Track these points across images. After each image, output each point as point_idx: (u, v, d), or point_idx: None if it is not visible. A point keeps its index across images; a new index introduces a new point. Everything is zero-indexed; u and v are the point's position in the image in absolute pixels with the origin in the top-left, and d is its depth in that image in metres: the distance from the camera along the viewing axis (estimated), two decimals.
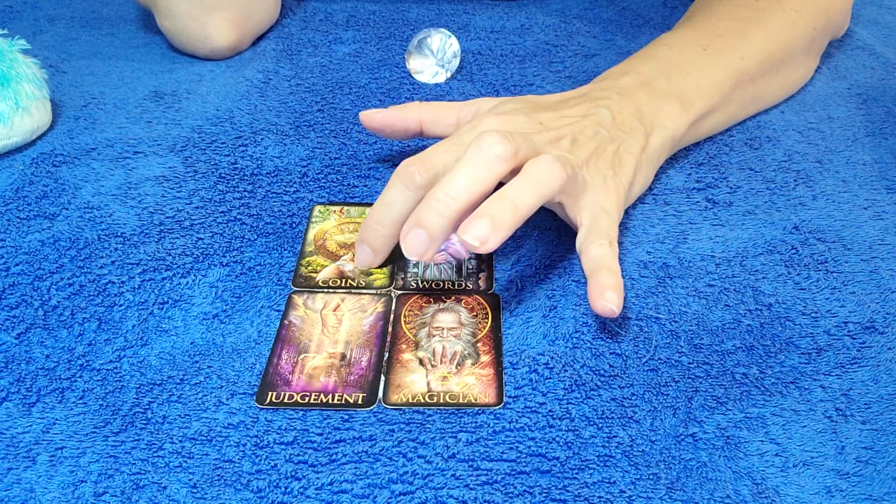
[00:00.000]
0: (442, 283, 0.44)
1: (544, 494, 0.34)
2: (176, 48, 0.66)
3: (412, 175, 0.41)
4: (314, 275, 0.45)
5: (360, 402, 0.37)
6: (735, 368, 0.40)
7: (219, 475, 0.34)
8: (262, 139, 0.56)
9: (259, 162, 0.54)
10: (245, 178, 0.52)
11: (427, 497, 0.33)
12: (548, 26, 0.72)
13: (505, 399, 0.38)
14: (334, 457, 0.35)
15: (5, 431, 0.36)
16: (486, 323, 0.42)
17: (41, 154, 0.54)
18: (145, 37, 0.70)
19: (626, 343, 0.41)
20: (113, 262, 0.45)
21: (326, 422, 0.37)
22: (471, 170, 0.39)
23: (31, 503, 0.33)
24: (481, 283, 0.44)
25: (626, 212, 0.49)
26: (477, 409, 0.37)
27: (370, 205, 0.50)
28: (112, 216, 0.49)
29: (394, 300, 0.43)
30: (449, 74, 0.63)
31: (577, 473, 0.35)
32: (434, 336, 0.41)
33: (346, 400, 0.38)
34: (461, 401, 0.38)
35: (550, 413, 0.37)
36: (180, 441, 0.36)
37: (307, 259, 0.46)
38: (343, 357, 0.40)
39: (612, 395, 0.38)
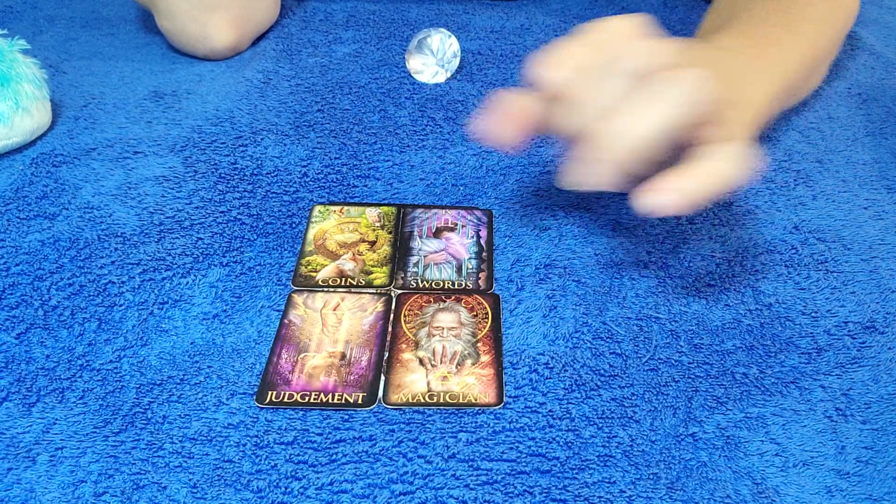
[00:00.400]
0: (442, 283, 0.44)
1: (544, 494, 0.34)
2: (176, 49, 0.66)
3: None
4: (314, 274, 0.45)
5: (360, 401, 0.37)
6: (735, 368, 0.40)
7: (219, 475, 0.34)
8: (262, 139, 0.56)
9: (259, 162, 0.54)
10: (245, 178, 0.52)
11: (427, 497, 0.33)
12: (548, 26, 0.72)
13: (505, 399, 0.38)
14: (334, 457, 0.35)
15: (5, 431, 0.36)
16: (487, 323, 0.42)
17: (41, 154, 0.54)
18: (145, 37, 0.70)
19: (627, 343, 0.41)
20: (113, 262, 0.45)
21: (326, 422, 0.37)
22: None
23: (32, 503, 0.33)
24: (481, 282, 0.44)
25: (627, 211, 0.49)
26: (477, 408, 0.37)
27: (370, 205, 0.50)
28: (112, 216, 0.49)
29: (394, 299, 0.43)
30: (449, 74, 0.63)
31: (577, 473, 0.35)
32: (434, 336, 0.41)
33: (346, 399, 0.38)
34: (461, 401, 0.38)
35: (550, 413, 0.37)
36: (180, 441, 0.36)
37: (307, 258, 0.46)
38: (343, 356, 0.40)
39: (613, 394, 0.38)
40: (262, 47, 0.68)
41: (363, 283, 0.44)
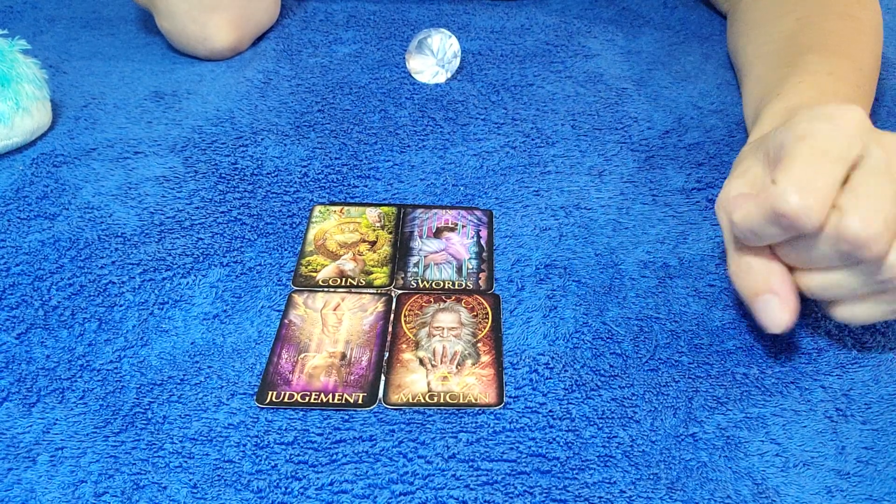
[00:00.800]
0: (442, 283, 0.44)
1: (544, 495, 0.34)
2: (176, 49, 0.66)
3: None
4: (314, 274, 0.45)
5: (360, 401, 0.37)
6: (735, 368, 0.40)
7: (219, 475, 0.34)
8: (262, 139, 0.56)
9: (259, 162, 0.54)
10: (245, 178, 0.52)
11: (427, 497, 0.33)
12: (548, 26, 0.72)
13: (505, 399, 0.38)
14: (335, 457, 0.35)
15: (6, 432, 0.36)
16: (487, 323, 0.42)
17: (41, 154, 0.54)
18: (146, 37, 0.70)
19: (627, 343, 0.41)
20: (113, 263, 0.45)
21: (327, 422, 0.37)
22: None
23: (32, 503, 0.33)
24: (482, 282, 0.44)
25: (627, 211, 0.49)
26: (477, 409, 0.37)
27: (370, 205, 0.50)
28: (112, 216, 0.49)
29: (394, 300, 0.43)
30: (449, 74, 0.63)
31: (577, 474, 0.35)
32: (434, 336, 0.41)
33: (346, 400, 0.38)
34: (461, 401, 0.38)
35: (551, 413, 0.37)
36: (180, 441, 0.36)
37: (307, 259, 0.46)
38: (343, 356, 0.40)
39: (613, 395, 0.38)
40: (262, 47, 0.68)
41: (363, 283, 0.44)
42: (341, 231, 0.48)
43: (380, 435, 0.36)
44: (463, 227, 0.48)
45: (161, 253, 0.46)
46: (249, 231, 0.48)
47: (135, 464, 0.35)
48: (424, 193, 0.51)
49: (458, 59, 0.63)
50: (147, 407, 0.37)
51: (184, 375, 0.39)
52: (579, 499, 0.34)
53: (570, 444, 0.36)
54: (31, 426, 0.36)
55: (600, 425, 0.37)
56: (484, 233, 0.48)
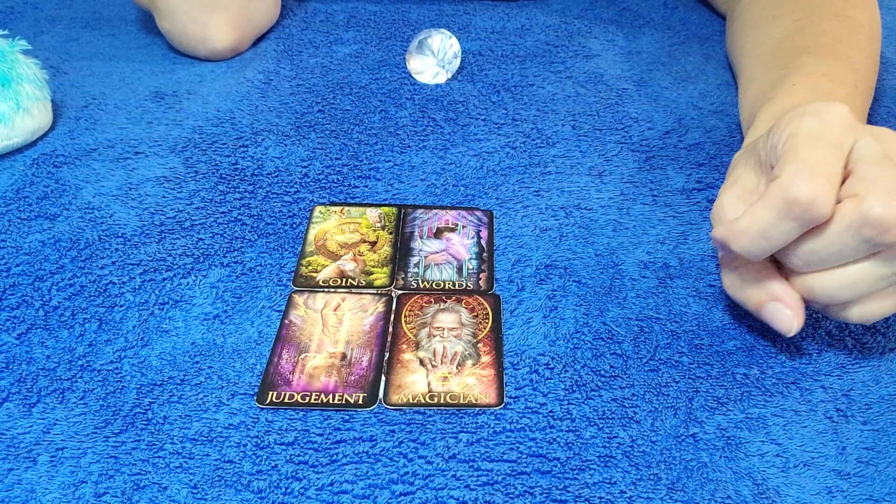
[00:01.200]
0: (443, 284, 0.44)
1: (545, 495, 0.34)
2: (176, 50, 0.66)
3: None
4: (315, 274, 0.45)
5: (360, 402, 0.37)
6: (736, 369, 0.40)
7: (219, 476, 0.34)
8: (262, 140, 0.56)
9: (260, 162, 0.54)
10: (246, 178, 0.52)
11: (428, 497, 0.33)
12: (548, 27, 0.72)
13: (505, 399, 0.38)
14: (335, 457, 0.35)
15: (6, 432, 0.36)
16: (487, 323, 0.42)
17: (42, 155, 0.54)
18: (146, 37, 0.70)
19: (627, 343, 0.41)
20: (113, 263, 0.45)
21: (327, 422, 0.37)
22: None
23: (32, 503, 0.33)
24: (482, 283, 0.44)
25: (628, 211, 0.49)
26: (478, 409, 0.37)
27: (371, 205, 0.50)
28: (113, 217, 0.49)
29: (394, 300, 0.43)
30: (450, 75, 0.63)
31: (577, 474, 0.35)
32: (435, 336, 0.41)
33: (346, 400, 0.38)
34: (462, 401, 0.38)
35: (551, 413, 0.37)
36: (181, 441, 0.36)
37: (308, 259, 0.46)
38: (343, 357, 0.40)
39: (613, 395, 0.38)
40: (262, 48, 0.68)
41: (364, 283, 0.44)
42: (342, 231, 0.48)
43: (380, 435, 0.36)
44: (463, 227, 0.48)
45: (161, 253, 0.46)
46: (250, 231, 0.48)
47: (135, 464, 0.35)
48: (425, 194, 0.51)
49: (459, 60, 0.63)
50: (147, 407, 0.37)
51: (184, 376, 0.39)
52: (579, 499, 0.33)
53: (570, 445, 0.36)
54: (31, 426, 0.36)
55: (601, 425, 0.37)
56: (484, 233, 0.48)
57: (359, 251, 0.46)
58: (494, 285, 0.44)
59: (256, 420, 0.37)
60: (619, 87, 0.63)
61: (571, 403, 0.38)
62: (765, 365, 0.40)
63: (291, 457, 0.35)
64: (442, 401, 0.37)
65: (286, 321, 0.42)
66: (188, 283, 0.44)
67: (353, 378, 0.39)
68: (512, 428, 0.36)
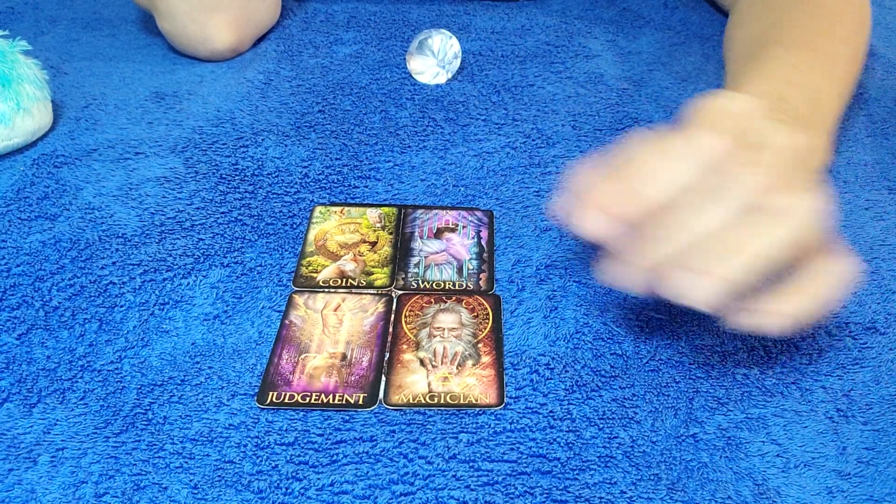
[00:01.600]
0: (443, 284, 0.44)
1: (545, 495, 0.34)
2: (176, 50, 0.66)
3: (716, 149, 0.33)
4: (315, 275, 0.45)
5: (360, 402, 0.37)
6: (736, 369, 0.40)
7: (220, 476, 0.34)
8: (262, 140, 0.56)
9: (260, 163, 0.54)
10: (246, 178, 0.52)
11: (428, 498, 0.33)
12: (548, 27, 0.72)
13: (506, 400, 0.38)
14: (335, 457, 0.35)
15: (6, 432, 0.36)
16: (487, 323, 0.42)
17: (42, 155, 0.54)
18: (146, 38, 0.70)
19: (627, 343, 0.41)
20: (114, 263, 0.45)
21: (327, 422, 0.37)
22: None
23: None
24: (482, 283, 0.44)
25: None
26: (478, 409, 0.37)
27: (371, 205, 0.50)
28: (113, 217, 0.49)
29: (395, 300, 0.43)
30: (450, 75, 0.63)
31: (578, 474, 0.35)
32: (435, 336, 0.41)
33: (346, 400, 0.38)
34: (462, 401, 0.37)
35: (551, 414, 0.37)
36: (181, 442, 0.36)
37: (308, 259, 0.46)
38: (344, 357, 0.40)
39: (613, 395, 0.38)
40: (263, 48, 0.68)
41: (364, 283, 0.44)
42: (342, 232, 0.48)
43: (380, 435, 0.36)
44: (463, 227, 0.48)
45: (162, 253, 0.46)
46: (250, 232, 0.48)
47: (135, 464, 0.35)
48: (425, 194, 0.51)
49: (459, 60, 0.63)
50: (148, 407, 0.37)
51: (184, 376, 0.39)
52: (580, 499, 0.33)
53: (570, 445, 0.36)
54: (31, 427, 0.36)
55: (601, 426, 0.37)
56: (484, 233, 0.48)
57: (359, 251, 0.46)
58: (495, 285, 0.44)
59: (257, 420, 0.37)
60: (620, 88, 0.63)
61: (572, 404, 0.38)
62: (765, 365, 0.40)
63: (292, 457, 0.35)
64: (442, 401, 0.37)
65: (286, 321, 0.42)
66: (188, 284, 0.44)
67: (353, 378, 0.39)
68: (512, 428, 0.36)
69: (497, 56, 0.67)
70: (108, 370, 0.39)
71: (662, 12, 0.75)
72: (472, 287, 0.44)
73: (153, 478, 0.34)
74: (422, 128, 0.58)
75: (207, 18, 0.63)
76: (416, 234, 0.48)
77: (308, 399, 0.38)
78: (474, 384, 0.38)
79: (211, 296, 0.43)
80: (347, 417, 0.37)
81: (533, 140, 0.56)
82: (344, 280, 0.44)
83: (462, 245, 0.47)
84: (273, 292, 0.44)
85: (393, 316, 0.42)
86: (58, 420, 0.37)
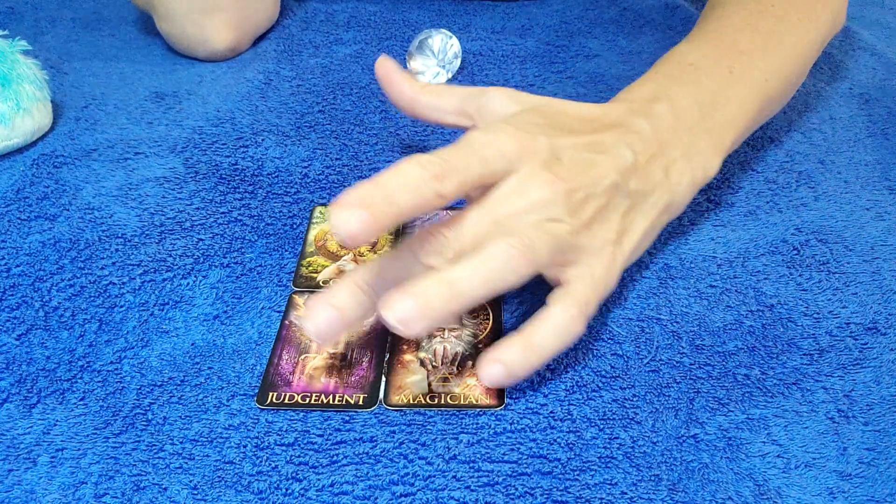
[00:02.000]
0: None
1: (545, 496, 0.34)
2: (175, 50, 0.66)
3: (434, 174, 0.34)
4: (315, 275, 0.45)
5: (360, 402, 0.37)
6: (737, 369, 0.39)
7: (219, 476, 0.34)
8: (262, 140, 0.56)
9: (260, 163, 0.54)
10: (246, 179, 0.52)
11: (428, 498, 0.33)
12: (549, 27, 0.72)
13: (506, 400, 0.38)
14: (335, 458, 0.35)
15: (6, 433, 0.36)
16: (488, 324, 0.42)
17: (42, 155, 0.54)
18: (146, 38, 0.70)
19: (628, 344, 0.41)
20: (114, 263, 0.45)
21: (327, 423, 0.37)
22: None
23: None
24: None
25: None
26: (478, 410, 0.37)
27: None
28: (113, 217, 0.49)
29: None
30: (450, 75, 0.63)
31: (578, 475, 0.34)
32: (435, 337, 0.41)
33: (346, 401, 0.37)
34: (462, 402, 0.37)
35: (552, 414, 0.37)
36: (181, 442, 0.36)
37: (308, 259, 0.46)
38: (344, 358, 0.40)
39: (614, 396, 0.38)
40: (263, 48, 0.68)
41: None
42: None
43: (380, 436, 0.36)
44: None
45: (161, 254, 0.46)
46: (250, 232, 0.48)
47: (135, 465, 0.35)
48: None
49: (459, 60, 0.63)
50: (147, 408, 0.37)
51: (184, 376, 0.39)
52: (580, 500, 0.33)
53: (571, 446, 0.36)
54: (31, 427, 0.36)
55: (601, 426, 0.37)
56: None
57: (359, 252, 0.46)
58: None
59: (256, 421, 0.37)
60: (620, 88, 0.63)
61: (572, 404, 0.38)
62: (766, 366, 0.40)
63: (292, 458, 0.35)
64: (442, 401, 0.37)
65: (286, 322, 0.42)
66: (188, 284, 0.44)
67: (353, 379, 0.39)
68: (512, 429, 0.36)
69: (497, 56, 0.67)
70: (108, 370, 0.39)
71: (663, 12, 0.75)
72: None
73: (153, 478, 0.34)
74: (422, 128, 0.58)
75: (206, 19, 0.63)
76: None
77: (308, 399, 0.38)
78: (474, 385, 0.38)
79: (211, 296, 0.43)
80: (347, 418, 0.37)
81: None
82: None
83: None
84: (273, 292, 0.44)
85: None
86: (57, 420, 0.37)
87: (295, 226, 0.49)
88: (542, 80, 0.64)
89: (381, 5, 0.75)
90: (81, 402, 0.38)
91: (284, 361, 0.39)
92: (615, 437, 0.36)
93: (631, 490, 0.34)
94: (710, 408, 0.38)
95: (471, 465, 0.35)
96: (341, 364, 0.39)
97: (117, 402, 0.38)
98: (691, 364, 0.40)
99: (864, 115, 0.59)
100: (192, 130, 0.57)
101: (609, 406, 0.38)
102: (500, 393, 0.38)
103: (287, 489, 0.34)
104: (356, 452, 0.35)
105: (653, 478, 0.34)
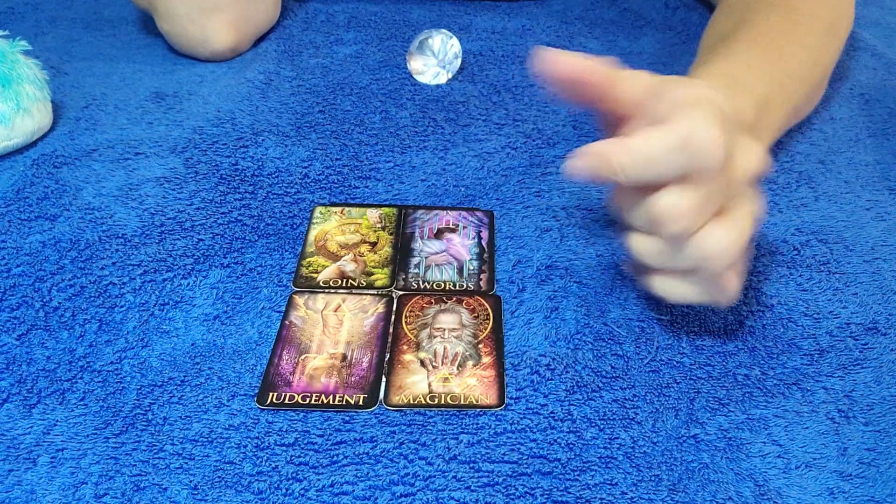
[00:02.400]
0: (443, 284, 0.44)
1: (546, 496, 0.34)
2: (176, 51, 0.66)
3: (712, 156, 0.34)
4: (315, 275, 0.45)
5: (361, 403, 0.37)
6: (737, 370, 0.39)
7: (219, 477, 0.34)
8: (263, 140, 0.56)
9: (260, 163, 0.54)
10: (246, 179, 0.52)
11: (428, 499, 0.33)
12: (549, 27, 0.72)
13: (506, 400, 0.38)
14: (335, 458, 0.35)
15: (6, 433, 0.36)
16: (488, 324, 0.42)
17: (42, 155, 0.54)
18: (146, 38, 0.70)
19: (628, 344, 0.41)
20: (114, 264, 0.45)
21: (327, 423, 0.37)
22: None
23: None
24: (482, 284, 0.44)
25: None
26: (478, 410, 0.37)
27: (371, 206, 0.50)
28: (113, 217, 0.49)
29: (395, 301, 0.43)
30: (450, 75, 0.63)
31: (578, 475, 0.34)
32: (435, 337, 0.41)
33: (346, 401, 0.37)
34: (462, 402, 0.37)
35: (552, 414, 0.37)
36: (181, 442, 0.36)
37: (308, 260, 0.46)
38: (344, 358, 0.40)
39: (614, 396, 0.38)
40: (263, 48, 0.68)
41: (364, 284, 0.44)
42: (342, 232, 0.48)
43: (381, 436, 0.36)
44: (464, 228, 0.48)
45: (162, 254, 0.46)
46: (250, 232, 0.48)
47: (135, 465, 0.35)
48: (425, 194, 0.51)
49: (459, 60, 0.63)
50: (147, 408, 0.37)
51: (184, 377, 0.39)
52: (581, 500, 0.33)
53: (571, 446, 0.36)
54: (31, 427, 0.36)
55: (602, 426, 0.37)
56: (485, 234, 0.48)
57: (359, 252, 0.46)
58: (495, 286, 0.44)
59: (257, 421, 0.37)
60: None
61: (572, 404, 0.38)
62: (766, 366, 0.40)
63: (292, 458, 0.35)
64: (442, 402, 0.37)
65: (286, 322, 0.42)
66: (188, 284, 0.44)
67: (353, 379, 0.39)
68: (513, 429, 0.36)
69: (497, 56, 0.67)
70: (108, 371, 0.39)
71: (663, 13, 0.75)
72: (472, 288, 0.44)
73: (153, 478, 0.34)
74: (422, 128, 0.58)
75: (206, 19, 0.63)
76: (417, 234, 0.48)
77: (308, 400, 0.38)
78: (475, 385, 0.38)
79: (211, 296, 0.43)
80: (348, 418, 0.37)
81: (533, 140, 0.56)
82: (344, 280, 0.44)
83: (462, 245, 0.47)
84: (273, 293, 0.44)
85: (393, 316, 0.42)
86: (57, 421, 0.37)
87: (295, 226, 0.49)
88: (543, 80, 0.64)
89: (381, 6, 0.75)
90: (81, 403, 0.38)
91: (284, 361, 0.39)
92: (615, 438, 0.36)
93: (631, 490, 0.34)
94: (710, 408, 0.38)
95: (471, 465, 0.35)
96: (341, 364, 0.39)
97: (117, 403, 0.38)
98: (691, 364, 0.40)
99: (865, 115, 0.59)
100: (192, 130, 0.57)
101: (609, 406, 0.38)
102: (500, 393, 0.38)
103: (287, 489, 0.34)
104: (356, 452, 0.35)
105: (653, 478, 0.34)
